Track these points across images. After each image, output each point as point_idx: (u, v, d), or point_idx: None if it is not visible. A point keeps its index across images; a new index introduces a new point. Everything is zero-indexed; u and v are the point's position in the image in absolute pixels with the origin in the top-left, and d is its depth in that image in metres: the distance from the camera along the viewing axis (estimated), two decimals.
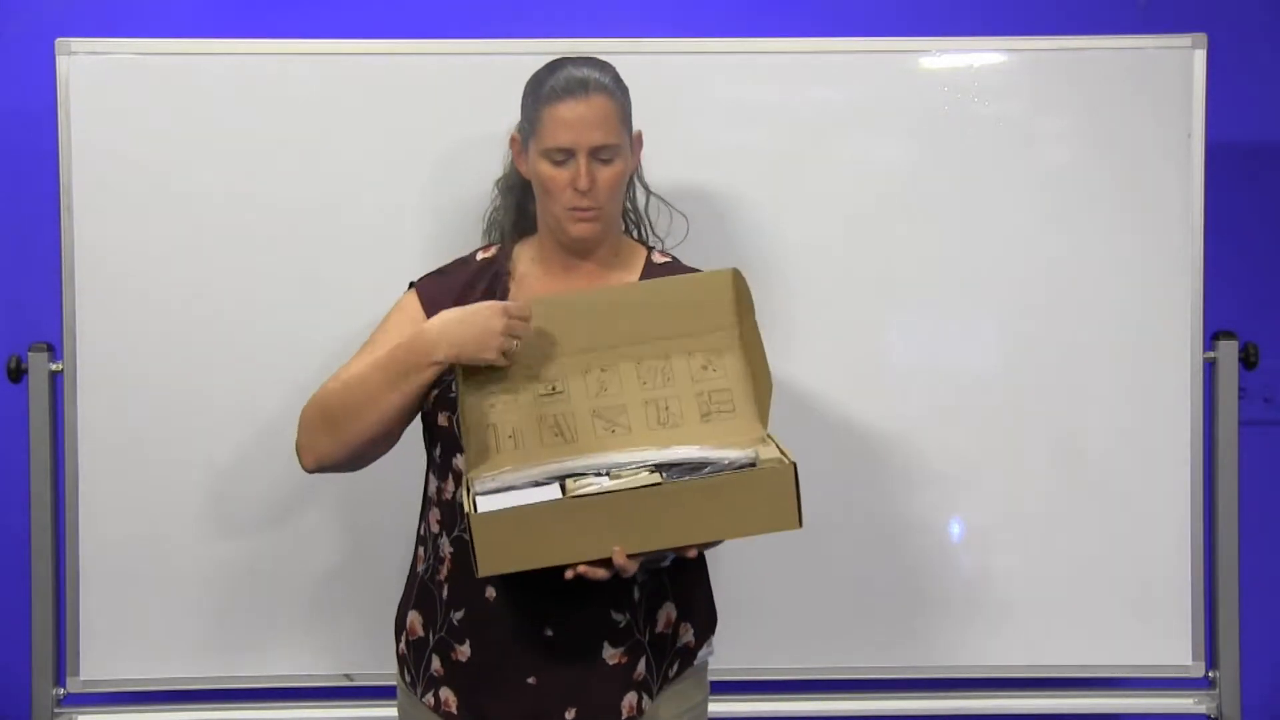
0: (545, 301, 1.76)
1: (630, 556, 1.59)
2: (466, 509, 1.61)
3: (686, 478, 1.60)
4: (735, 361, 1.75)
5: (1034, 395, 2.29)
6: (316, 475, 2.22)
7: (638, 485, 1.59)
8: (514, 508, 1.59)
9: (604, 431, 1.72)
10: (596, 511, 1.58)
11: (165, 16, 2.47)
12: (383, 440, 1.77)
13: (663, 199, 2.00)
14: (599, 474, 1.63)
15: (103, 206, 2.21)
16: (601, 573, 1.60)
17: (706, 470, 1.62)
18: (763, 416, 1.72)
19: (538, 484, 1.64)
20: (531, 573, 1.63)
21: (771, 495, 1.61)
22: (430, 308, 1.80)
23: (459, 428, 1.71)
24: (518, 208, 1.92)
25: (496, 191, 1.96)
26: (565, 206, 1.77)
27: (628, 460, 1.65)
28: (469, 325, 1.66)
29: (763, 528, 1.65)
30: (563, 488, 1.62)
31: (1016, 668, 2.34)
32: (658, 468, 1.62)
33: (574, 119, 1.73)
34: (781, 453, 1.65)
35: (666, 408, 1.73)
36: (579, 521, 1.58)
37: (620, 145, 1.77)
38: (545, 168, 1.77)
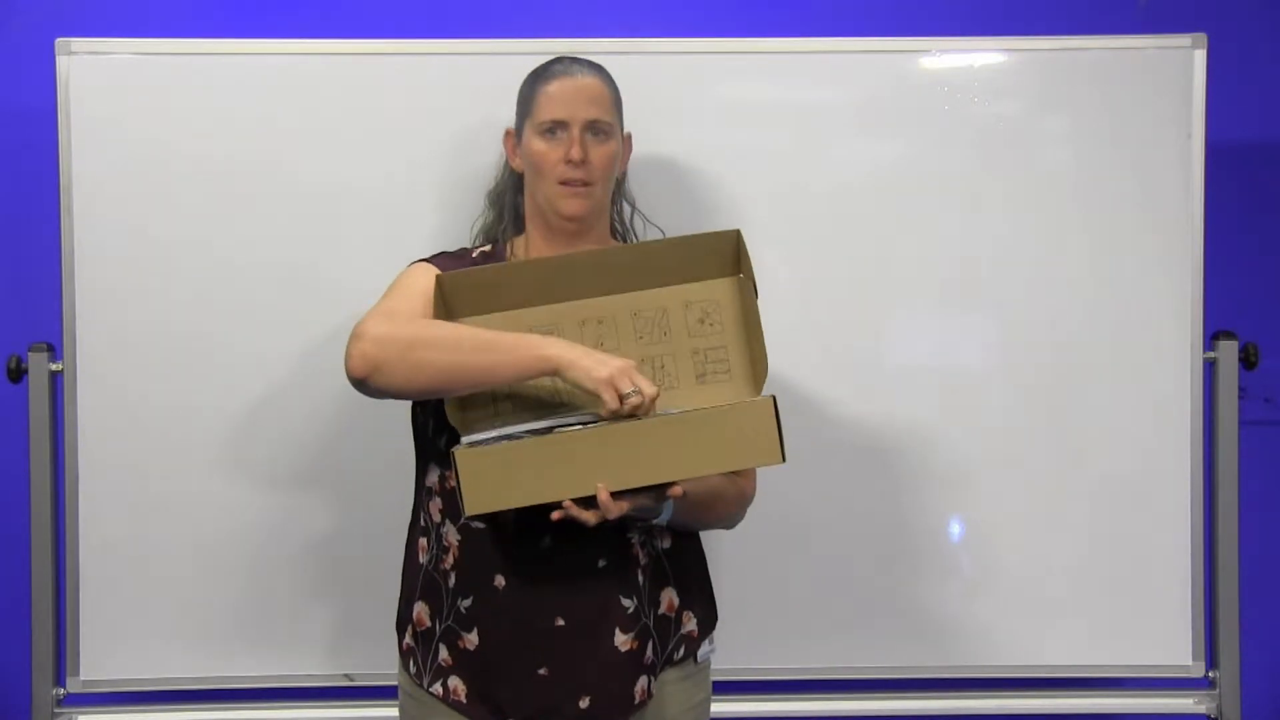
0: (546, 260, 1.78)
1: (617, 498, 1.60)
2: (453, 450, 1.63)
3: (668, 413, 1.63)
4: (733, 315, 1.77)
5: (1034, 395, 2.29)
6: (315, 475, 2.24)
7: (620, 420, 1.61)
8: (498, 445, 1.62)
9: None
10: (579, 446, 1.60)
11: (165, 16, 2.47)
12: (424, 396, 1.74)
13: (644, 215, 2.01)
14: (586, 425, 1.65)
15: (103, 206, 2.21)
16: (589, 515, 1.61)
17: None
18: (758, 389, 1.73)
19: (528, 434, 1.65)
20: (542, 550, 1.67)
21: (752, 429, 1.62)
22: None
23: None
24: (511, 208, 1.93)
25: (486, 203, 1.98)
26: (557, 180, 1.79)
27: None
28: (599, 355, 1.63)
29: (746, 461, 1.69)
30: None
31: (1016, 668, 2.34)
32: None
33: (569, 93, 1.80)
34: None
35: (662, 366, 1.75)
36: (563, 457, 1.60)
37: (613, 125, 1.82)
38: (538, 144, 1.80)
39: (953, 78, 2.27)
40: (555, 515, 1.61)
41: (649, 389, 1.60)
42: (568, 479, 1.60)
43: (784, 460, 1.63)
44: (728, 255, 1.76)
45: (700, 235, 1.78)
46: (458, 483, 1.60)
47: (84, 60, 2.21)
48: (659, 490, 1.63)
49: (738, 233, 1.75)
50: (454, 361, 1.66)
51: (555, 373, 1.63)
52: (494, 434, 1.66)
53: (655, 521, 1.74)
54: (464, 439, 1.68)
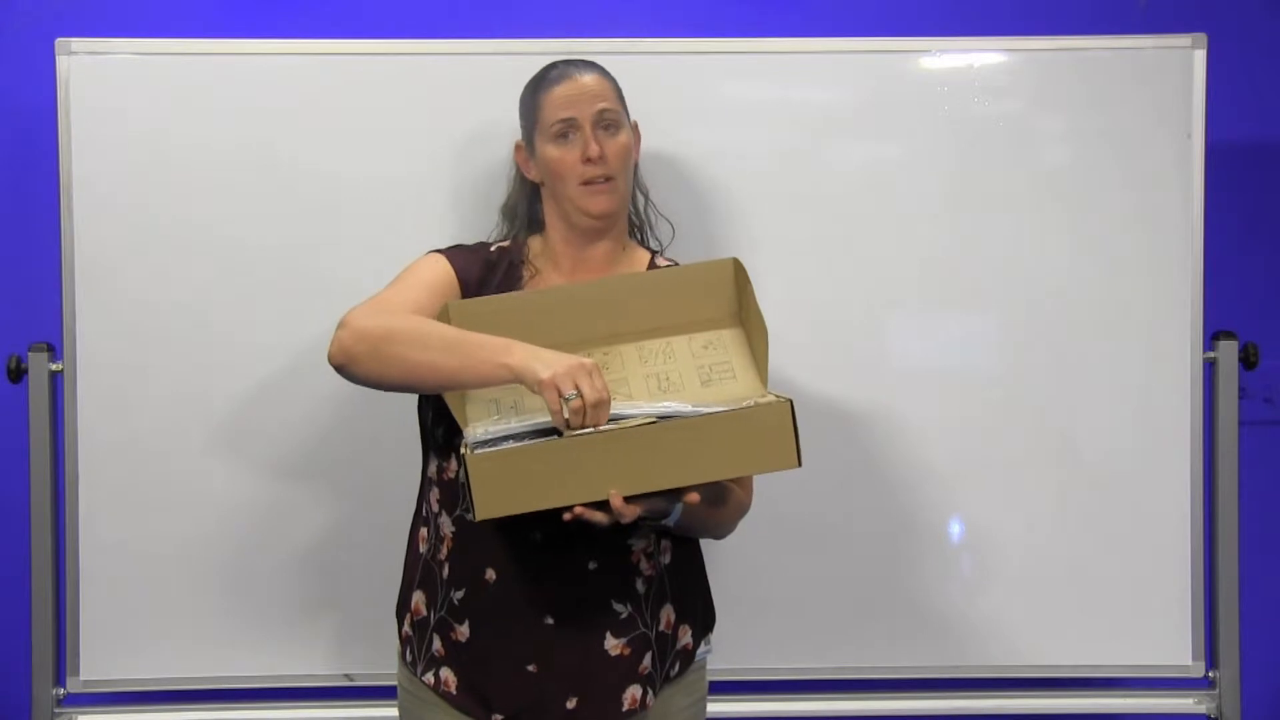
0: (549, 292, 1.77)
1: (631, 501, 1.59)
2: (463, 452, 1.61)
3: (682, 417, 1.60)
4: (735, 341, 1.77)
5: (1034, 395, 2.29)
6: (316, 478, 2.24)
7: (634, 424, 1.58)
8: (510, 448, 1.59)
9: None
10: (593, 451, 1.58)
11: (165, 16, 2.47)
12: (400, 390, 1.74)
13: (655, 207, 2.01)
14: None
15: (103, 206, 2.21)
16: (601, 516, 1.60)
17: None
18: (762, 375, 1.72)
19: (535, 434, 1.62)
20: (532, 547, 1.67)
21: (768, 433, 1.60)
22: (462, 276, 1.81)
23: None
24: (525, 218, 1.93)
25: (500, 217, 1.97)
26: (579, 181, 1.79)
27: (623, 411, 1.62)
28: (556, 355, 1.61)
29: (761, 466, 1.65)
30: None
31: (1017, 668, 2.34)
32: (656, 418, 1.62)
33: (573, 92, 1.81)
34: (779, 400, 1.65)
35: (667, 378, 1.74)
36: (576, 462, 1.58)
37: (620, 114, 1.83)
38: (552, 150, 1.80)
39: (952, 78, 2.27)
40: (567, 516, 1.60)
41: (591, 393, 1.56)
42: (581, 483, 1.58)
43: (800, 465, 1.61)
44: (726, 288, 1.76)
45: (700, 266, 1.79)
46: (468, 487, 1.58)
47: (84, 60, 2.20)
48: (672, 492, 1.62)
49: (735, 262, 1.76)
50: (422, 360, 1.66)
51: (517, 381, 1.61)
52: (498, 431, 1.63)
53: (664, 522, 1.72)
54: (466, 434, 1.66)
